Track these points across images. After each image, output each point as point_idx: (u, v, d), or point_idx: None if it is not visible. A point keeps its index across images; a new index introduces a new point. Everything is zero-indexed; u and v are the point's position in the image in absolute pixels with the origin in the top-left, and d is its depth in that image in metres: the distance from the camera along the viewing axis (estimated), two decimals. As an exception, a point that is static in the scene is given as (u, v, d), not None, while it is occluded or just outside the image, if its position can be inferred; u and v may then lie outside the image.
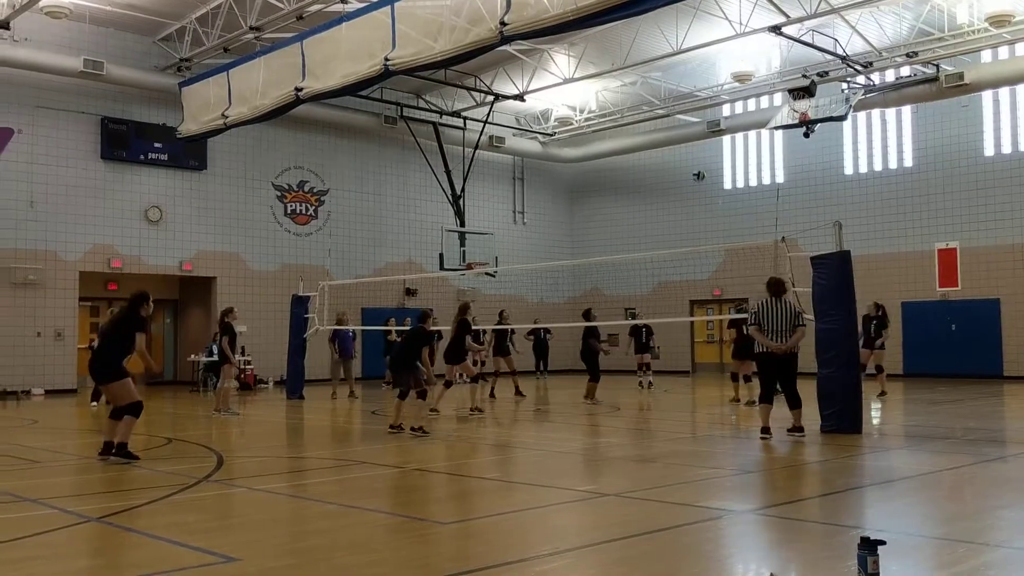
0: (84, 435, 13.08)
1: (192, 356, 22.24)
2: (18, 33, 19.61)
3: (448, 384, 15.11)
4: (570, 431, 13.17)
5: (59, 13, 19.09)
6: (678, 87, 24.89)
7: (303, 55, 17.02)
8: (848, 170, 25.45)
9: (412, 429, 11.60)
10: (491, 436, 12.44)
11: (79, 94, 21.51)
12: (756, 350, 11.11)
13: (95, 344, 12.72)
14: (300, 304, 19.57)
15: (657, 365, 22.38)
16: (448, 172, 26.18)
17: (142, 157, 22.41)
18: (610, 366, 20.16)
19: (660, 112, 25.88)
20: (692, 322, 27.64)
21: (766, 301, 10.84)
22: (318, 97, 17.73)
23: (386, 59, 15.29)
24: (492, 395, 18.02)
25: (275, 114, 18.84)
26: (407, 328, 17.32)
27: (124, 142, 22.14)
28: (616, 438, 12.06)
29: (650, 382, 20.50)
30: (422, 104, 25.92)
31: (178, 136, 21.34)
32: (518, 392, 18.25)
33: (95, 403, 16.52)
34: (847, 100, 20.56)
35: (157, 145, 22.56)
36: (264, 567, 5.24)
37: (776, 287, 10.88)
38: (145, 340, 9.77)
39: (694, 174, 28.50)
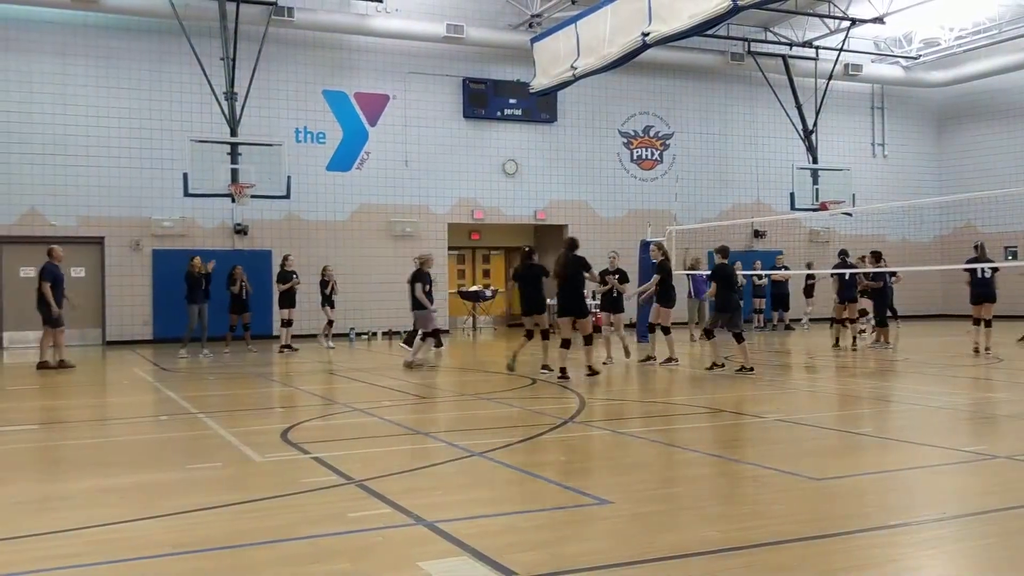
0: (456, 373, 14.31)
1: (550, 300, 23.33)
2: (390, 6, 21.55)
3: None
4: (943, 384, 12.09)
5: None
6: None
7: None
8: None
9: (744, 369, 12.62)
10: (852, 387, 11.79)
11: (443, 58, 23.23)
12: None
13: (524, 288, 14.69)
14: (648, 249, 19.76)
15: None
16: (799, 106, 24.91)
17: (499, 114, 23.79)
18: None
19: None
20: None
21: None
22: (665, 40, 17.47)
23: (734, -6, 14.72)
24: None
25: (622, 62, 18.85)
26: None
27: (483, 100, 23.62)
28: (1006, 393, 10.89)
29: None
30: (770, 37, 24.80)
31: (531, 91, 22.21)
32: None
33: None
34: None
35: (512, 101, 23.82)
36: (636, 512, 5.39)
37: None
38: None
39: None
